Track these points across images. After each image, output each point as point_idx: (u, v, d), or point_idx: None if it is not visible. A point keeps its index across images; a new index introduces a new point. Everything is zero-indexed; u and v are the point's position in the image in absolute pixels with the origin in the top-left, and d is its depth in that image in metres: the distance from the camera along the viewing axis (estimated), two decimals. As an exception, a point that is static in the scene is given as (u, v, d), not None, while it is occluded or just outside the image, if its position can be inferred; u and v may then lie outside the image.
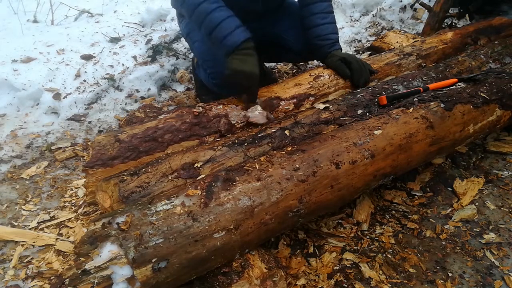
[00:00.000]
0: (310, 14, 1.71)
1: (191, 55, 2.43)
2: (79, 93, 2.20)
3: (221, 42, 1.39)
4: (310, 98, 1.55)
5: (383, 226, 1.42)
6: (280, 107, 1.49)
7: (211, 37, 1.43)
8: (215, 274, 1.05)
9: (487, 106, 1.48)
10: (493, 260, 1.28)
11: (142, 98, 2.27)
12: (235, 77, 1.37)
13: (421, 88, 1.51)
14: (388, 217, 1.46)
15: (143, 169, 1.15)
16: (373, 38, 2.88)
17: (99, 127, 2.05)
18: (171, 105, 2.22)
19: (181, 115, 1.36)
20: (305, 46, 1.83)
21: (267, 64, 2.35)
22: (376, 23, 3.06)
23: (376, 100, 1.48)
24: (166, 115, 1.36)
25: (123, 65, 2.44)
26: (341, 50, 1.74)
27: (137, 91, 2.30)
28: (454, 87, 1.53)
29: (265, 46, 1.95)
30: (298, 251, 1.34)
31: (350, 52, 2.77)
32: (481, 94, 1.49)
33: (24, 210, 1.54)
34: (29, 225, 1.47)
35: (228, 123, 1.40)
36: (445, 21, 2.74)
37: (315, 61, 2.59)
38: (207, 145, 1.27)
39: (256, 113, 1.34)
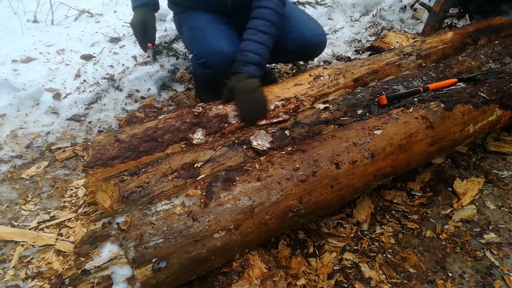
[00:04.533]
0: (246, 28, 1.61)
1: (191, 55, 2.43)
2: (79, 93, 2.20)
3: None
4: (310, 98, 1.55)
5: (383, 226, 1.42)
6: (280, 107, 1.49)
7: None
8: (215, 274, 1.05)
9: (487, 106, 1.48)
10: (493, 260, 1.28)
11: (142, 98, 2.27)
12: (133, 31, 1.79)
13: (421, 88, 1.51)
14: (388, 217, 1.46)
15: (143, 169, 1.15)
16: (373, 38, 2.88)
17: (99, 127, 2.05)
18: (171, 105, 2.22)
19: (181, 115, 1.36)
20: (297, 47, 1.79)
21: (267, 65, 2.35)
22: (376, 23, 3.06)
23: (376, 100, 1.48)
24: (166, 115, 1.37)
25: (123, 65, 2.43)
26: (252, 74, 1.50)
27: (137, 91, 2.30)
28: (454, 87, 1.53)
29: None
30: (298, 251, 1.34)
31: (350, 52, 2.77)
32: (481, 94, 1.49)
33: (24, 210, 1.54)
34: (29, 225, 1.47)
35: (228, 123, 1.40)
36: (445, 21, 2.74)
37: (315, 61, 2.59)
38: (207, 145, 1.27)
39: (259, 142, 1.28)
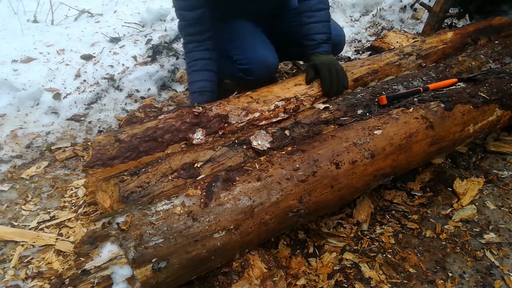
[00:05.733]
0: (300, 12, 1.71)
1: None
2: (79, 93, 2.20)
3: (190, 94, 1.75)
4: (310, 98, 1.55)
5: (383, 226, 1.42)
6: (280, 107, 1.49)
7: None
8: (215, 274, 1.05)
9: (487, 106, 1.48)
10: (493, 260, 1.28)
11: (142, 98, 2.27)
12: None
13: (421, 88, 1.51)
14: (388, 217, 1.46)
15: (143, 169, 1.15)
16: (373, 38, 2.88)
17: (99, 127, 2.05)
18: (171, 105, 2.22)
19: (181, 115, 1.36)
20: None
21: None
22: (376, 23, 3.06)
23: (376, 100, 1.48)
24: (166, 115, 1.36)
25: (123, 65, 2.44)
26: (329, 52, 1.67)
27: (137, 91, 2.30)
28: (454, 87, 1.53)
29: (282, 44, 2.00)
30: (298, 251, 1.34)
31: (350, 52, 2.77)
32: (481, 94, 1.49)
33: (24, 210, 1.54)
34: (29, 225, 1.47)
35: (228, 123, 1.40)
36: (445, 21, 2.74)
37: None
38: (207, 145, 1.27)
39: (259, 142, 1.30)
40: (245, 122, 1.42)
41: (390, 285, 1.21)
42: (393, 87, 1.57)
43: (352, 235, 1.39)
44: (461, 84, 1.55)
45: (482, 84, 1.54)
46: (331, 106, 1.44)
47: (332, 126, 1.37)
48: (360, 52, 2.75)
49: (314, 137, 1.27)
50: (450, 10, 2.69)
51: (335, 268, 1.27)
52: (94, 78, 2.32)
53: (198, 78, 1.69)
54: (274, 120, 1.41)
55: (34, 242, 1.38)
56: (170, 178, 1.13)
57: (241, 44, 1.83)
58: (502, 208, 1.47)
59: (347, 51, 2.80)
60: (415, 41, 2.07)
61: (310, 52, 1.67)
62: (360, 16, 3.22)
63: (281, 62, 2.37)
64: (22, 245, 1.38)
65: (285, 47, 2.05)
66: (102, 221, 0.96)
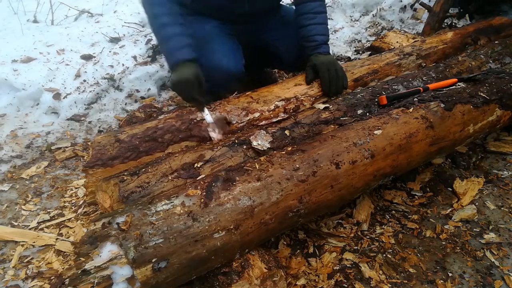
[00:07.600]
0: (299, 14, 1.69)
1: None
2: (79, 93, 2.20)
3: (168, 57, 1.45)
4: (310, 98, 1.55)
5: (383, 226, 1.42)
6: (280, 107, 1.49)
7: (163, 49, 1.51)
8: (215, 274, 1.05)
9: (487, 106, 1.48)
10: (493, 260, 1.28)
11: (142, 98, 2.27)
12: (175, 88, 1.42)
13: (421, 88, 1.51)
14: (388, 217, 1.46)
15: (143, 169, 1.15)
16: (373, 38, 2.88)
17: (99, 127, 2.05)
18: (171, 105, 2.22)
19: (181, 115, 1.36)
20: (297, 58, 1.80)
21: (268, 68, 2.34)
22: (376, 23, 3.06)
23: (376, 100, 1.49)
24: (166, 115, 1.36)
25: (123, 65, 2.44)
26: (328, 53, 1.66)
27: (137, 91, 2.30)
28: (454, 87, 1.53)
29: (257, 51, 1.96)
30: (298, 251, 1.34)
31: (350, 52, 2.77)
32: (481, 94, 1.49)
33: (24, 210, 1.54)
34: (29, 225, 1.47)
35: (227, 123, 1.40)
36: (445, 21, 2.74)
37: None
38: (207, 145, 1.27)
39: (259, 142, 1.29)
40: (245, 122, 1.42)
41: (390, 285, 1.21)
42: (393, 87, 1.57)
43: (352, 235, 1.39)
44: (461, 84, 1.55)
45: (482, 84, 1.54)
46: (331, 106, 1.44)
47: (332, 126, 1.37)
48: (360, 52, 2.75)
49: (314, 137, 1.27)
50: (450, 10, 2.69)
51: (335, 268, 1.27)
52: (94, 78, 2.32)
53: (178, 31, 1.42)
54: (274, 120, 1.41)
55: (34, 242, 1.38)
56: (170, 178, 1.13)
57: (199, 50, 1.65)
58: (502, 208, 1.47)
59: (347, 51, 2.80)
60: (415, 41, 2.07)
61: (310, 53, 1.66)
62: (360, 16, 3.22)
63: (262, 68, 2.34)
64: (22, 245, 1.38)
65: (263, 55, 2.01)
66: (102, 221, 0.96)
